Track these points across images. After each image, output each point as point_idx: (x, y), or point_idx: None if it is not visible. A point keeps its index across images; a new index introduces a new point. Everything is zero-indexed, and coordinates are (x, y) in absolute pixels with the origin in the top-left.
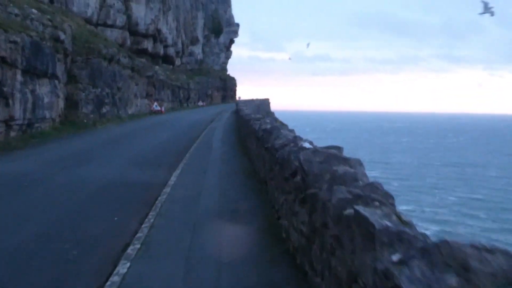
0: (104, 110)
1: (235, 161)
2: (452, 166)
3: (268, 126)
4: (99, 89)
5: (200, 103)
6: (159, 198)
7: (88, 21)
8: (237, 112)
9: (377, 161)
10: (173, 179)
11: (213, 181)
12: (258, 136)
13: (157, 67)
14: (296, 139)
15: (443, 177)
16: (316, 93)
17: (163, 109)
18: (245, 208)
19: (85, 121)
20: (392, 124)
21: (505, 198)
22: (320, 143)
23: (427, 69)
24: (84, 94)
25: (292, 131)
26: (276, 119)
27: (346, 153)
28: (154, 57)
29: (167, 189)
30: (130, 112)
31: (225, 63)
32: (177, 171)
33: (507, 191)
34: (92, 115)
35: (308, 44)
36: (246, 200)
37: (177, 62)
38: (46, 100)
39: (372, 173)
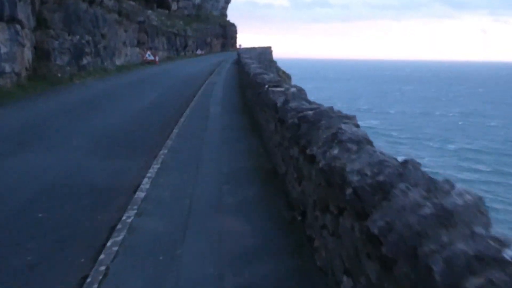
0: (84, 61)
1: (242, 145)
2: (453, 116)
3: (309, 111)
4: (77, 36)
5: (199, 52)
6: (114, 235)
7: None
8: (239, 63)
9: (378, 111)
10: (146, 181)
11: (208, 189)
12: (287, 125)
13: (149, 11)
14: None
15: (443, 128)
16: (317, 40)
17: (157, 58)
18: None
19: (59, 75)
20: (394, 72)
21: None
22: (320, 92)
23: (429, 15)
24: (57, 42)
25: (357, 126)
26: (279, 70)
27: (345, 102)
28: (148, 1)
29: (130, 212)
30: (118, 62)
31: (225, 8)
32: (156, 165)
33: (506, 142)
34: (68, 68)
35: None
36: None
37: (173, 6)
38: (3, 50)
39: (372, 122)
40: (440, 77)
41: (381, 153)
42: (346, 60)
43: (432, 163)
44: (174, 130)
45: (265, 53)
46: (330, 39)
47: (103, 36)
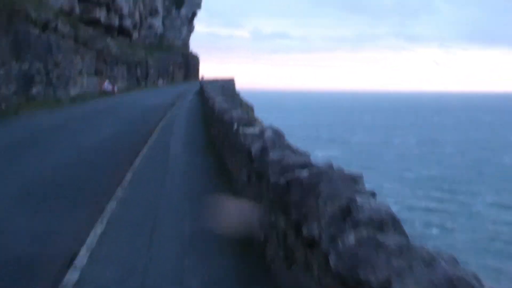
0: (33, 91)
1: (208, 197)
2: (410, 144)
3: (300, 169)
4: (27, 64)
5: (160, 82)
6: None
7: None
8: (201, 95)
9: (338, 140)
10: (84, 253)
11: (166, 265)
12: (270, 184)
13: (108, 39)
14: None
15: (401, 156)
16: (278, 71)
17: (115, 89)
18: None
19: (2, 106)
20: (353, 103)
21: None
22: (282, 122)
23: (385, 47)
24: (2, 69)
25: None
26: (242, 101)
27: (307, 132)
28: (108, 29)
29: None
30: (73, 92)
31: (187, 38)
32: (100, 224)
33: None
34: (15, 98)
35: None
36: None
37: (135, 35)
38: None
39: (333, 153)
40: (397, 106)
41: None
42: (307, 91)
43: (391, 192)
44: (128, 175)
45: (228, 84)
46: (291, 70)
47: (56, 64)
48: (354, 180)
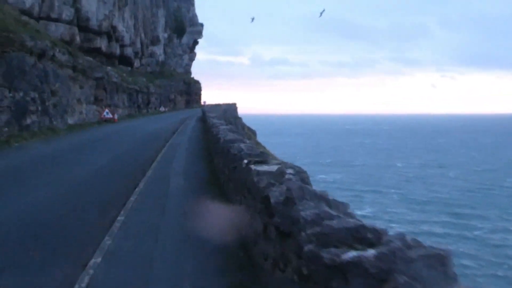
0: (28, 120)
1: (212, 248)
2: (413, 167)
3: (359, 246)
4: (21, 93)
5: (162, 109)
6: None
7: (27, 13)
8: (204, 121)
9: (341, 164)
10: None
11: None
12: (307, 257)
13: (109, 67)
14: None
15: (404, 179)
16: (279, 96)
17: (115, 116)
18: None
19: None
20: (354, 126)
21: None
22: (285, 148)
23: (383, 71)
24: None
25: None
26: (244, 125)
27: (310, 156)
28: (109, 58)
29: None
30: (71, 121)
31: (189, 65)
32: None
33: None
34: (6, 129)
35: (252, 19)
36: None
37: (136, 63)
38: None
39: (337, 176)
40: (398, 130)
41: None
42: (308, 115)
43: (395, 216)
44: (119, 218)
45: (230, 109)
46: (292, 95)
47: (53, 92)
48: (439, 258)
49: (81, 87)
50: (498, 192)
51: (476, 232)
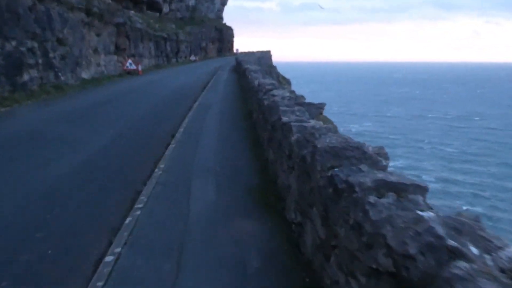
0: (25, 77)
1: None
2: (451, 118)
3: None
4: (13, 42)
5: (193, 58)
6: None
7: None
8: (239, 73)
9: (374, 114)
10: None
11: None
12: None
13: (131, 11)
14: None
15: (440, 130)
16: (311, 43)
17: (139, 68)
18: None
19: None
20: (389, 74)
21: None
22: (317, 95)
23: (421, 16)
24: None
25: None
26: (279, 74)
27: (343, 105)
28: (136, 3)
29: None
30: (86, 75)
31: (221, 10)
32: None
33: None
34: None
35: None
36: None
37: (165, 9)
38: None
39: (369, 126)
40: (435, 78)
41: None
42: (341, 62)
43: (429, 166)
44: (123, 234)
45: (264, 57)
46: (323, 42)
47: (60, 41)
48: None
49: (98, 35)
50: None
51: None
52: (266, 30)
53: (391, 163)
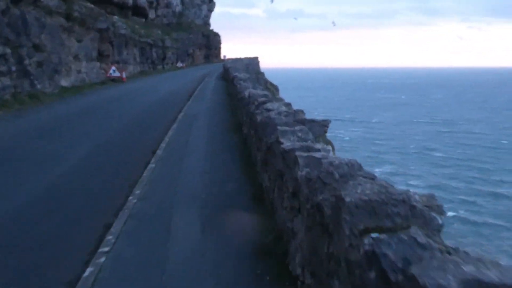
0: None
1: None
2: (437, 124)
3: None
4: None
5: (179, 64)
6: None
7: None
8: (227, 80)
9: (361, 119)
10: None
11: None
12: None
13: (115, 17)
14: None
15: (426, 135)
16: (298, 49)
17: (124, 75)
18: None
19: None
20: (376, 80)
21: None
22: (304, 102)
23: (406, 22)
24: None
25: None
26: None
27: (330, 111)
28: (121, 8)
29: None
30: (65, 83)
31: (208, 16)
32: None
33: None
34: None
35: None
36: None
37: (151, 14)
38: None
39: (356, 132)
40: (422, 83)
41: None
42: (329, 68)
43: (416, 171)
44: None
45: (252, 64)
46: (311, 48)
47: (37, 47)
48: None
49: (79, 41)
50: None
51: (497, 189)
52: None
53: (378, 169)
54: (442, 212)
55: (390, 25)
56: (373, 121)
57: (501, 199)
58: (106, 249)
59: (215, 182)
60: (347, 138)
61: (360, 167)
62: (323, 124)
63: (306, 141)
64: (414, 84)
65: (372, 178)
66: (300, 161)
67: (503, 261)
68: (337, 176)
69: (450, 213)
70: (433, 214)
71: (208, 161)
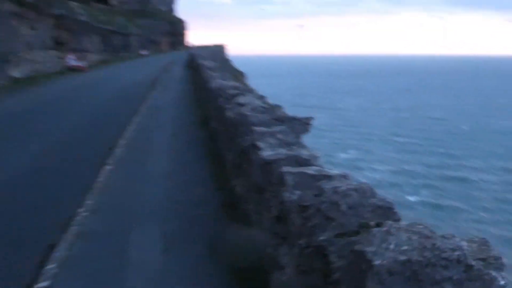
0: None
1: None
2: (400, 110)
3: None
4: None
5: (144, 52)
6: None
7: None
8: (194, 69)
9: (327, 106)
10: None
11: None
12: None
13: (74, 3)
14: None
15: (390, 121)
16: (266, 36)
17: (84, 64)
18: None
19: None
20: (342, 67)
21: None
22: (271, 89)
23: (370, 11)
24: None
25: None
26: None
27: (296, 98)
28: None
29: None
30: (18, 74)
31: (173, 3)
32: None
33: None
34: None
35: None
36: None
37: (113, 1)
38: None
39: (322, 118)
40: (386, 70)
41: None
42: (296, 55)
43: (379, 157)
44: None
45: (219, 51)
46: (278, 35)
47: None
48: None
49: (33, 28)
50: (482, 135)
51: (459, 173)
52: (220, 23)
53: (343, 155)
54: (501, 267)
55: (355, 12)
56: (339, 106)
57: (461, 183)
58: (44, 285)
59: (180, 187)
60: (313, 124)
61: (372, 193)
62: (305, 122)
63: (289, 146)
64: (378, 71)
65: (390, 207)
66: (289, 179)
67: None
68: (344, 207)
69: (412, 198)
70: (492, 273)
71: (172, 161)
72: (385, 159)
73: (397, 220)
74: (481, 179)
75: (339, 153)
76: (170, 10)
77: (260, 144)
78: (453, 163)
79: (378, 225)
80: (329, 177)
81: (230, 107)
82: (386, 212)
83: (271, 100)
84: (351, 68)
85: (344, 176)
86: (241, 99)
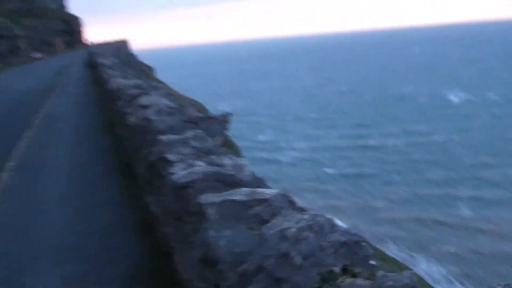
0: None
1: None
2: (309, 88)
3: None
4: None
5: (37, 55)
6: None
7: None
8: (94, 68)
9: (240, 91)
10: None
11: None
12: None
13: None
14: None
15: (302, 100)
16: (169, 27)
17: None
18: None
19: None
20: (251, 52)
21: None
22: (182, 80)
23: None
24: None
25: None
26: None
27: (207, 87)
28: None
29: None
30: None
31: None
32: None
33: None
34: None
35: None
36: None
37: None
38: None
39: (236, 104)
40: (289, 52)
41: None
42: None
43: (295, 135)
44: None
45: (122, 47)
46: (186, 25)
47: None
48: None
49: None
50: (384, 103)
51: (368, 142)
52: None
53: (261, 136)
54: None
55: None
56: (252, 90)
57: (373, 150)
58: None
59: (83, 213)
60: (228, 110)
61: (332, 226)
62: (223, 120)
63: (207, 155)
64: (284, 52)
65: (357, 240)
66: (211, 215)
67: (379, 204)
68: (298, 259)
69: (330, 170)
70: None
71: (73, 181)
72: (302, 136)
73: (369, 256)
74: (391, 144)
75: (258, 135)
76: (62, 7)
77: (170, 156)
78: (364, 132)
79: (344, 271)
80: (265, 202)
81: (132, 111)
82: (353, 248)
83: (182, 92)
84: (259, 52)
85: (283, 195)
86: (144, 100)
